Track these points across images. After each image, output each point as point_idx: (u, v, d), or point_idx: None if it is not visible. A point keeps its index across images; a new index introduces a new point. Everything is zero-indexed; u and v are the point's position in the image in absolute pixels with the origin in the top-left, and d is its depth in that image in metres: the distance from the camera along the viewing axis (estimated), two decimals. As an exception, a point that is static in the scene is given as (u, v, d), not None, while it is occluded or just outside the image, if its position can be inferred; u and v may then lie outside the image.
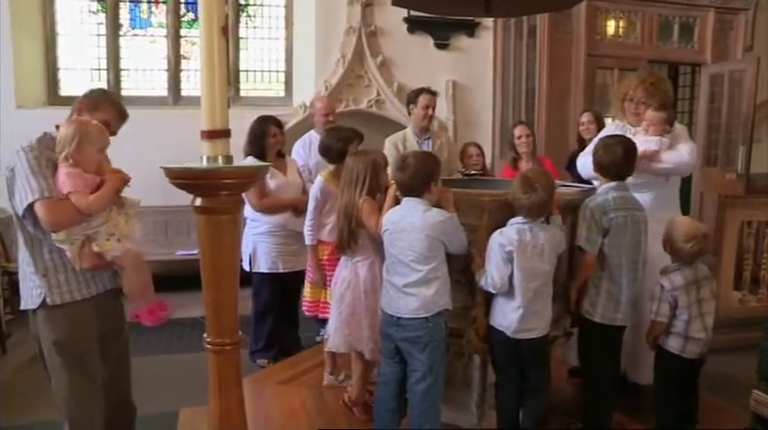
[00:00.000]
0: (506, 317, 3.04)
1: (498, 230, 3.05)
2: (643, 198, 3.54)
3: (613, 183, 3.28)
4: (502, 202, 3.10)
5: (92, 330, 2.78)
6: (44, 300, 2.67)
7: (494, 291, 3.06)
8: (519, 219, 3.02)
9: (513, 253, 2.95)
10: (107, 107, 2.88)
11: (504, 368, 3.18)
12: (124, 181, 2.77)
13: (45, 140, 2.66)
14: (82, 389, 2.76)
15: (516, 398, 3.18)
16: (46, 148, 2.64)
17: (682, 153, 3.70)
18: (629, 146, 3.35)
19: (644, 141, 3.63)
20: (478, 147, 5.45)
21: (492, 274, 3.01)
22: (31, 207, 2.54)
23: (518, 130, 5.35)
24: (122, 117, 2.95)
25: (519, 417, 3.20)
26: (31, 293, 2.70)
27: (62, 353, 2.71)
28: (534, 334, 3.06)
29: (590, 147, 3.76)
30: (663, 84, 3.99)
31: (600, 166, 3.36)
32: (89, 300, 2.76)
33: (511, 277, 2.99)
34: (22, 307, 2.77)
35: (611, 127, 4.03)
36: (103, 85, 7.15)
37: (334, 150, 4.03)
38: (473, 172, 4.83)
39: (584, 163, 3.74)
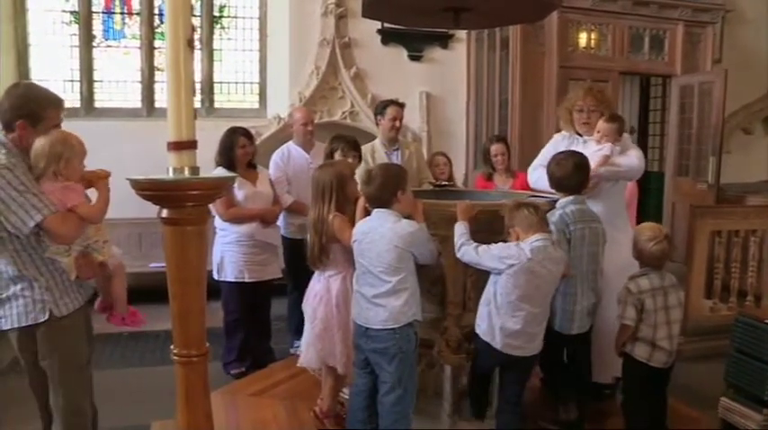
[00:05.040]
0: (495, 331, 3.02)
1: (515, 242, 3.00)
2: (597, 207, 3.63)
3: (570, 197, 3.34)
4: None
5: (86, 337, 2.85)
6: (50, 314, 2.65)
7: (456, 252, 3.06)
8: (538, 235, 2.98)
9: (515, 268, 2.92)
10: (49, 110, 2.74)
11: (481, 376, 3.18)
12: (108, 181, 2.81)
13: (13, 151, 2.62)
14: (84, 398, 2.81)
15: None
16: (22, 161, 2.62)
17: (632, 158, 3.85)
18: (579, 160, 3.42)
19: (597, 149, 3.74)
20: (445, 156, 5.50)
21: (474, 254, 3.00)
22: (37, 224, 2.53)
23: (494, 148, 5.36)
24: (60, 104, 2.83)
25: None
26: (25, 310, 2.64)
27: (72, 363, 2.73)
28: (525, 352, 3.06)
29: (537, 161, 4.00)
30: (607, 93, 4.22)
31: (554, 181, 3.45)
32: (82, 307, 2.81)
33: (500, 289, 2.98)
34: (8, 326, 2.67)
35: (558, 137, 4.12)
36: (76, 97, 7.10)
37: (324, 156, 4.32)
38: (444, 182, 4.86)
39: (540, 176, 3.85)
